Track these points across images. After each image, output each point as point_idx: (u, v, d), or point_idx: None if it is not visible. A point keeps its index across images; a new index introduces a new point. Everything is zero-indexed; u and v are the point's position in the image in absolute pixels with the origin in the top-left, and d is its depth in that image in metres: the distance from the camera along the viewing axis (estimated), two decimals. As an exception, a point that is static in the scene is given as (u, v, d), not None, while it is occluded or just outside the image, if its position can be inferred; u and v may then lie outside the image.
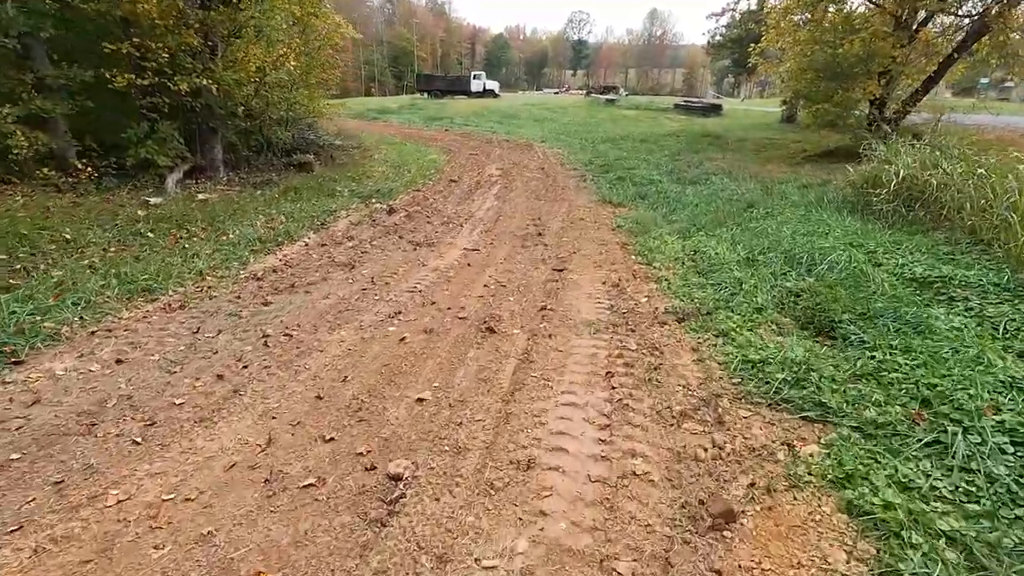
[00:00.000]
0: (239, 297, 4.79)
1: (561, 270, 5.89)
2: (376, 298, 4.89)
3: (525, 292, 5.10)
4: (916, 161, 6.42)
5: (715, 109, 29.23)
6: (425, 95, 45.06)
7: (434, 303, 4.77)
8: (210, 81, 9.08)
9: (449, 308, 4.65)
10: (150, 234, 6.30)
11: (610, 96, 39.76)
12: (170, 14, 8.51)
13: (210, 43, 9.67)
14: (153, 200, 7.93)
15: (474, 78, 44.93)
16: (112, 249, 5.72)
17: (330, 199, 9.67)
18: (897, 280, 4.42)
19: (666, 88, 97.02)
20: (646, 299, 4.72)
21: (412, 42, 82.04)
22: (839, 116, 13.00)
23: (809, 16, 14.36)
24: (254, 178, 10.94)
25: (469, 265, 6.10)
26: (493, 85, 45.31)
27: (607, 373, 3.32)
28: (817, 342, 3.62)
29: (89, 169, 8.58)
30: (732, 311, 4.13)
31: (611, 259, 6.30)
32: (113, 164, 8.90)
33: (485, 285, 5.32)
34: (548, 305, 4.67)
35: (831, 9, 13.94)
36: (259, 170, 11.69)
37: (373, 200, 9.99)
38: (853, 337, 3.46)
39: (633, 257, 6.27)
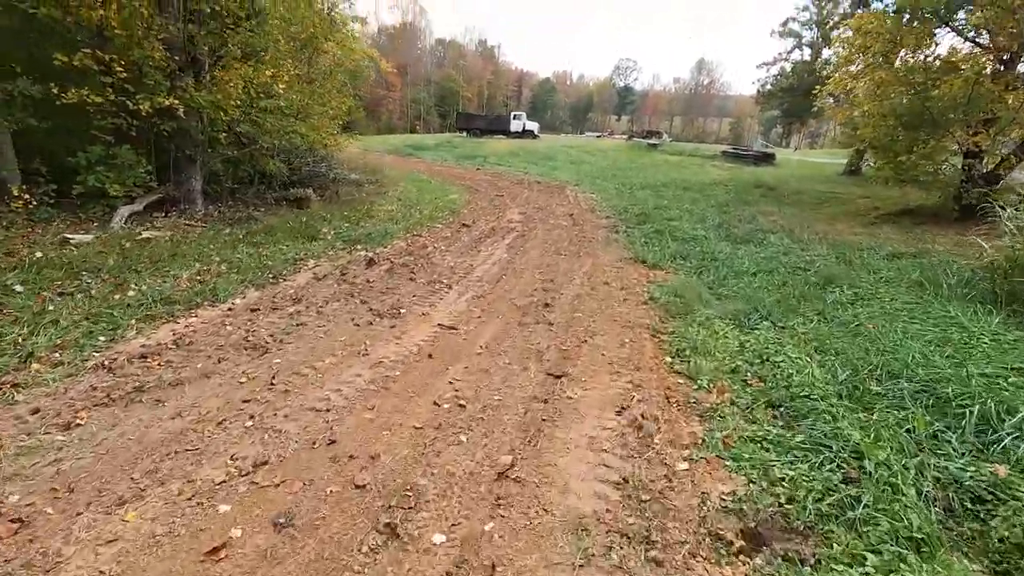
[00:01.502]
0: (38, 410, 3.08)
1: (560, 376, 3.98)
2: (250, 424, 3.09)
3: (490, 425, 3.21)
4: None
5: (767, 158, 27.15)
6: (464, 133, 44.59)
7: (334, 443, 2.93)
8: (177, 102, 7.77)
9: (352, 457, 2.80)
10: (19, 287, 4.76)
11: (652, 141, 38.18)
12: (133, 24, 7.30)
13: (190, 59, 8.47)
14: (77, 238, 6.50)
15: (514, 118, 44.19)
16: (-63, 311, 4.17)
17: (307, 243, 8.11)
18: None
19: (712, 136, 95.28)
20: (686, 466, 2.75)
21: (459, 83, 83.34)
22: (927, 170, 10.82)
23: (883, 60, 12.43)
24: (235, 213, 9.55)
25: (431, 357, 4.28)
26: (533, 126, 44.46)
27: None
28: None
29: (27, 197, 7.29)
30: (859, 536, 2.13)
31: (635, 359, 4.36)
32: (52, 191, 7.60)
33: (435, 403, 3.46)
34: (515, 467, 2.76)
35: (900, 57, 11.97)
36: (246, 204, 10.33)
37: (359, 246, 8.38)
38: None
39: (668, 359, 4.31)
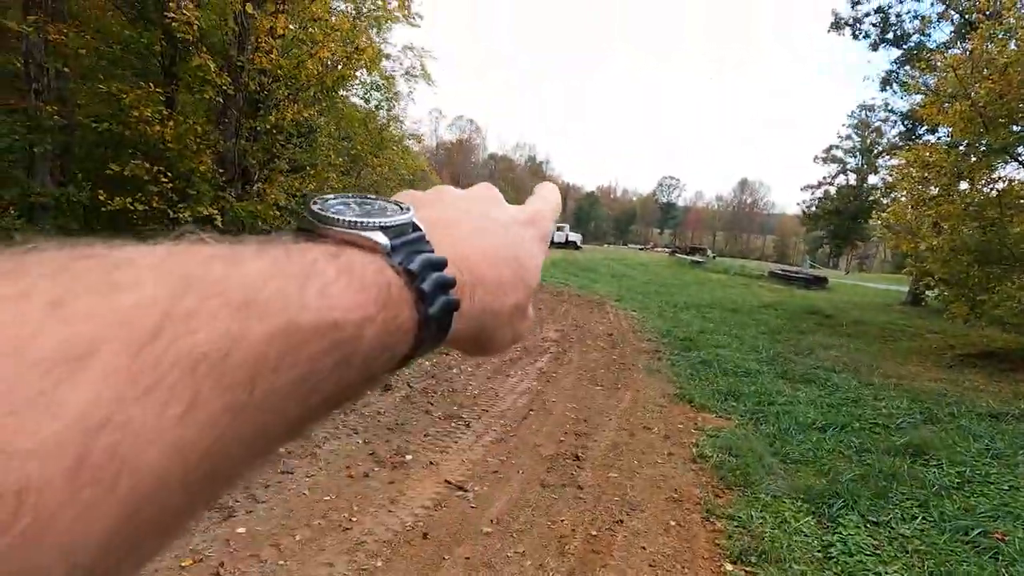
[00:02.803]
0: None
1: (585, 585, 3.07)
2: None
3: None
4: None
5: (819, 282, 26.12)
6: (507, 242, 45.69)
7: None
8: (217, 212, 7.84)
9: None
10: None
11: (696, 258, 37.93)
12: (186, 139, 7.57)
13: (241, 171, 8.72)
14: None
15: (557, 229, 45.21)
16: None
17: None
18: None
19: (755, 253, 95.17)
20: None
21: (508, 193, 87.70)
22: (1013, 310, 9.72)
23: (938, 192, 11.87)
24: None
25: (425, 537, 3.46)
26: (575, 237, 45.35)
27: None
28: None
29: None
30: None
31: (684, 560, 3.41)
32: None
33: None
34: None
35: (960, 190, 11.39)
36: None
37: (380, 365, 7.83)
38: None
39: (728, 567, 3.33)
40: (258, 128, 8.63)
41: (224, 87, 7.39)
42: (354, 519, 3.58)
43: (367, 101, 12.12)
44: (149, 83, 7.16)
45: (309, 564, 3.04)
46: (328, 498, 3.85)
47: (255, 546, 3.16)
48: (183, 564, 2.93)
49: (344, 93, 11.14)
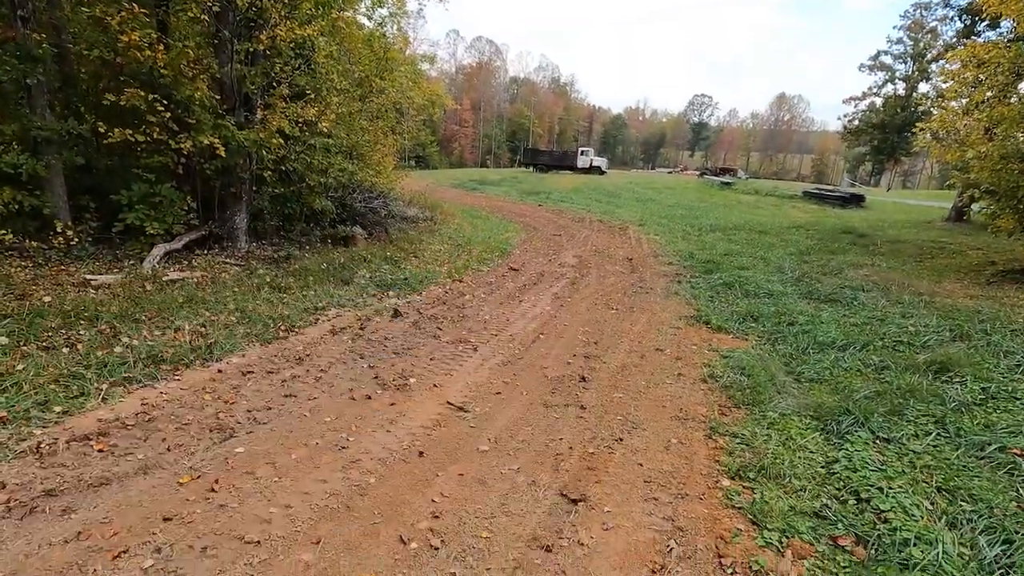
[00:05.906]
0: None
1: (577, 501, 3.06)
2: (151, 563, 2.39)
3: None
4: None
5: (855, 200, 24.83)
6: (531, 168, 44.59)
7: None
8: (218, 140, 7.64)
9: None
10: (3, 339, 4.44)
11: (725, 179, 36.36)
12: (178, 64, 7.26)
13: (242, 98, 8.42)
14: (100, 279, 6.32)
15: (581, 153, 43.69)
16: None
17: (337, 288, 7.66)
18: None
19: (792, 173, 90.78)
20: None
21: (531, 119, 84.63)
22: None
23: (1001, 95, 10.75)
24: (276, 252, 9.32)
25: (421, 455, 3.48)
26: (600, 162, 43.73)
27: None
28: None
29: (69, 234, 7.30)
30: None
31: (681, 476, 3.36)
32: (92, 229, 7.60)
33: (402, 539, 2.64)
34: None
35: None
36: (291, 242, 10.16)
37: (391, 292, 7.84)
38: None
39: (725, 482, 3.27)
40: (253, 50, 8.22)
41: (210, 4, 6.97)
42: (351, 439, 3.62)
43: (370, 19, 11.44)
44: (133, 4, 6.78)
45: (303, 481, 3.09)
46: (328, 419, 3.90)
47: (252, 464, 3.22)
48: (181, 481, 3.01)
49: (348, 13, 10.50)
